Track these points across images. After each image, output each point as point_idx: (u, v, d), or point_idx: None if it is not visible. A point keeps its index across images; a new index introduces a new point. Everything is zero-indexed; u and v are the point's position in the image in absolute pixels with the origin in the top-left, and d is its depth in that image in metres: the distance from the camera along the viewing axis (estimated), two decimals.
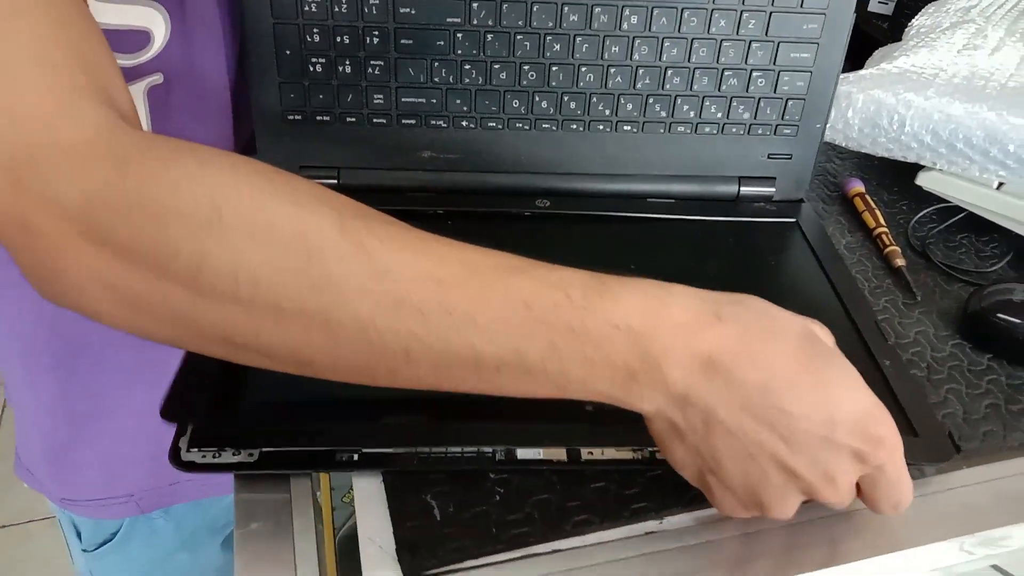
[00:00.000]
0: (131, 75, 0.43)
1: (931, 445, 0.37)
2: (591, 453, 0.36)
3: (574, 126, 0.51)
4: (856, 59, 0.81)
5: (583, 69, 0.50)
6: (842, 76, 0.52)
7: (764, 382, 0.28)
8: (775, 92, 0.50)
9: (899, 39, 0.83)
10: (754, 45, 0.49)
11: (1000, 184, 0.47)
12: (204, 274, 0.27)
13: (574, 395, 0.29)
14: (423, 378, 0.29)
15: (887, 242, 0.49)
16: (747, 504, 0.30)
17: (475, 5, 0.47)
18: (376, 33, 0.48)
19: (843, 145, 0.52)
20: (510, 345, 0.28)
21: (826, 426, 0.28)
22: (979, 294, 0.43)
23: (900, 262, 0.47)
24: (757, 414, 0.28)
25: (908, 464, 0.31)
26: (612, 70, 0.50)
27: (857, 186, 0.54)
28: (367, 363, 0.29)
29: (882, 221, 0.50)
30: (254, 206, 0.27)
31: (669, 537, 0.34)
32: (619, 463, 0.36)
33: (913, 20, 0.62)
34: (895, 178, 0.55)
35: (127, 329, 0.29)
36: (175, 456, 0.35)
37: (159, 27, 0.42)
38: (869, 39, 0.85)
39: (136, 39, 0.42)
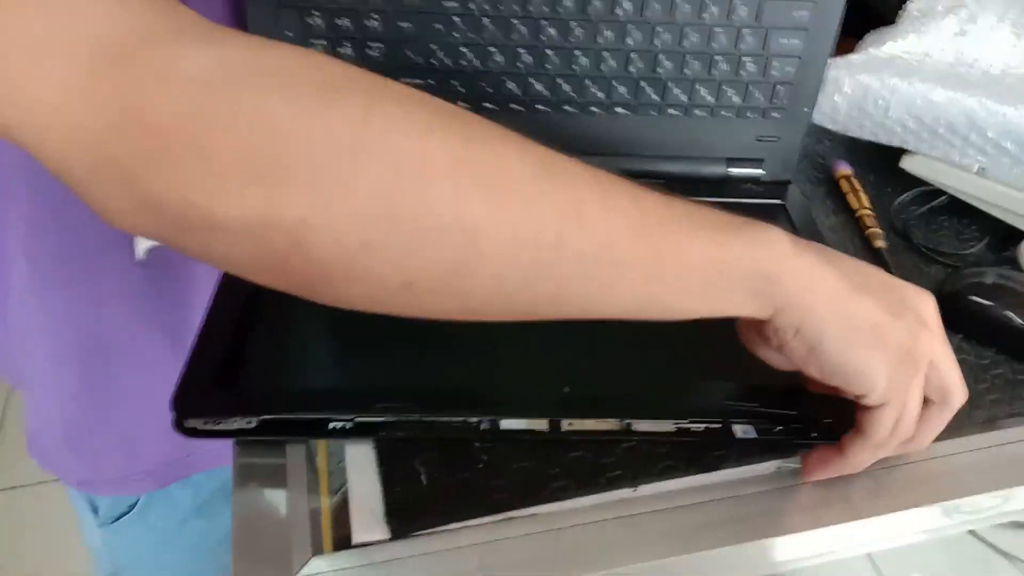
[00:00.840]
0: None
1: None
2: (571, 424, 0.38)
3: (568, 108, 0.53)
4: (860, 33, 0.81)
5: (577, 53, 0.51)
6: (831, 60, 0.52)
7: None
8: (764, 77, 0.52)
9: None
10: (744, 31, 0.50)
11: (980, 169, 0.49)
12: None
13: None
14: (586, 252, 0.28)
15: (868, 224, 0.50)
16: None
17: None
18: (376, 16, 0.49)
19: (831, 128, 0.54)
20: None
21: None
22: (953, 277, 0.45)
23: (880, 243, 0.49)
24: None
25: None
26: (606, 54, 0.51)
27: (844, 168, 0.55)
28: (541, 216, 0.27)
29: (865, 203, 0.52)
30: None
31: (642, 503, 0.36)
32: (597, 434, 0.38)
33: (907, 3, 0.63)
34: (882, 161, 0.56)
35: (240, 216, 0.24)
36: (179, 423, 0.37)
37: None
38: (874, 13, 0.84)
39: None
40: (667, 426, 0.38)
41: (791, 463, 0.39)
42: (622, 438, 0.38)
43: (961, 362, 0.43)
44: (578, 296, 0.29)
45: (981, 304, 0.43)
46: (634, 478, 0.37)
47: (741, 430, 0.38)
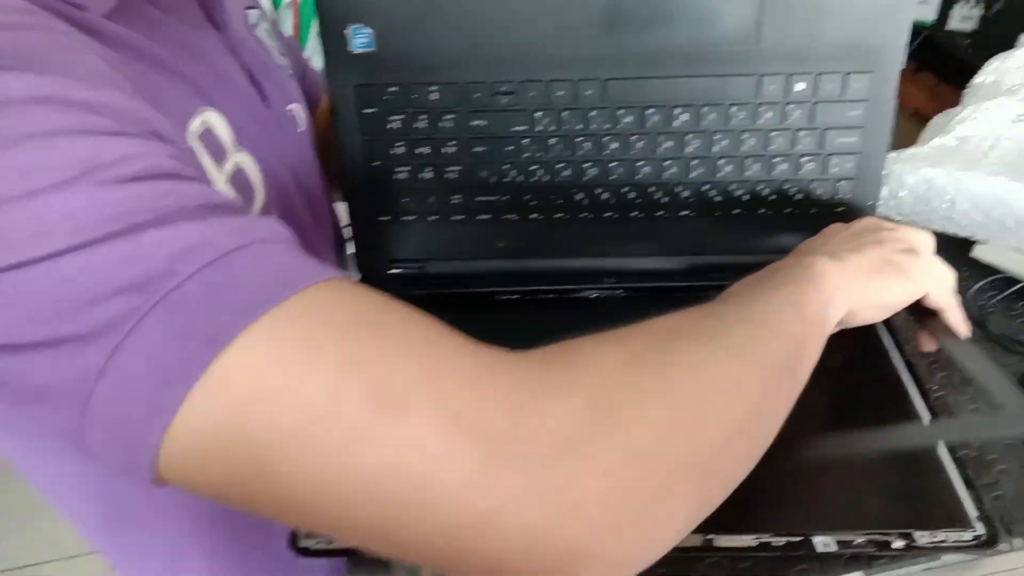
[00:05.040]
0: None
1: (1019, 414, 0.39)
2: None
3: (634, 213, 0.56)
4: (940, 74, 0.81)
5: (639, 164, 0.54)
6: (894, 155, 0.54)
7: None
8: (825, 174, 0.53)
9: (981, 54, 0.83)
10: (801, 133, 0.52)
11: None
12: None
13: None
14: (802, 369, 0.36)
15: None
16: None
17: (538, 115, 0.53)
18: (452, 143, 0.54)
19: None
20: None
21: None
22: None
23: None
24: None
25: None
26: (667, 163, 0.54)
27: None
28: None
29: None
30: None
31: None
32: (677, 551, 0.40)
33: (975, 78, 0.63)
34: (955, 245, 0.56)
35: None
36: (293, 543, 0.41)
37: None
38: (950, 56, 0.84)
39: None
40: (748, 541, 0.39)
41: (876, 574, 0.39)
42: (704, 554, 0.40)
43: None
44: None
45: None
46: None
47: (822, 543, 0.39)
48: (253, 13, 0.55)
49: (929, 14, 0.86)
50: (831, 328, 0.39)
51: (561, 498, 0.26)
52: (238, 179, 0.41)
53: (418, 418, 0.25)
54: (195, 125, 0.38)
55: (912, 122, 0.86)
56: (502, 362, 0.29)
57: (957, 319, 0.44)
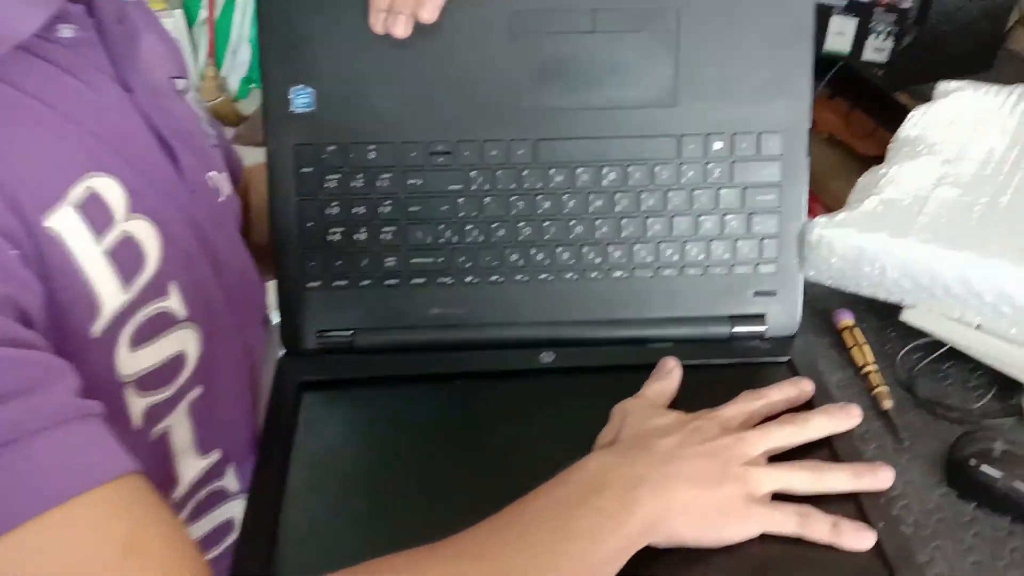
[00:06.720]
0: (175, 401, 0.45)
1: None
2: None
3: (568, 275, 0.55)
4: (854, 100, 0.82)
5: (572, 222, 0.54)
6: (823, 220, 0.54)
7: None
8: (749, 232, 0.53)
9: (894, 85, 0.85)
10: (722, 191, 0.53)
11: (979, 324, 0.48)
12: None
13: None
14: None
15: (875, 382, 0.50)
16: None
17: (473, 173, 0.53)
18: (388, 202, 0.54)
19: (829, 285, 0.54)
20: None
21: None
22: (961, 443, 0.44)
23: (887, 404, 0.48)
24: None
25: None
26: (598, 221, 0.54)
27: (846, 319, 0.55)
28: None
29: (869, 358, 0.51)
30: None
31: None
32: None
33: (899, 131, 0.63)
34: (884, 308, 0.55)
35: None
36: None
37: (192, 346, 0.46)
38: (866, 84, 0.87)
39: (174, 366, 0.45)
40: None
41: None
42: None
43: (976, 535, 0.42)
44: None
45: (990, 476, 0.42)
46: None
47: None
48: (181, 82, 0.55)
49: (845, 45, 0.91)
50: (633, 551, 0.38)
51: None
52: (124, 249, 0.40)
53: None
54: (77, 192, 0.37)
55: (827, 146, 0.88)
56: None
57: (818, 536, 0.39)
